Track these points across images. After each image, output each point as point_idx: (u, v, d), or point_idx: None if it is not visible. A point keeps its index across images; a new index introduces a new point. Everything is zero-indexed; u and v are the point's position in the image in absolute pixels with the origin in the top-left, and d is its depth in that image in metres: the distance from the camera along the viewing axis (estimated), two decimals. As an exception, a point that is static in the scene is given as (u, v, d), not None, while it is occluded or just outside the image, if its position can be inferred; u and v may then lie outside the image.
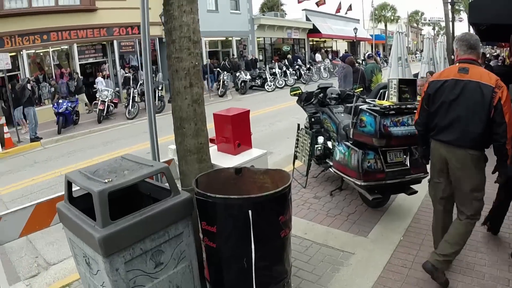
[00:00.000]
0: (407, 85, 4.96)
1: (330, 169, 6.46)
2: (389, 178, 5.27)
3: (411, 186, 5.64)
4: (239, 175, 4.08)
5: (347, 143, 5.68)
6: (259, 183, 4.00)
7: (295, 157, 7.75)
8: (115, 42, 24.01)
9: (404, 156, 5.44)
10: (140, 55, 25.15)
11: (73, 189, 3.70)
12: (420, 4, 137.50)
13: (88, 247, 3.22)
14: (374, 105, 5.18)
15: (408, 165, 5.40)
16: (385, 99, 5.26)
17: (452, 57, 17.23)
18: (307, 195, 6.92)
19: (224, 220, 3.36)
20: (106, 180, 3.32)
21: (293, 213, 5.99)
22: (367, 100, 5.47)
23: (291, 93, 7.67)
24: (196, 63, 4.24)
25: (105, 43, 24.02)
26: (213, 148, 5.11)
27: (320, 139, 7.09)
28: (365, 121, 5.14)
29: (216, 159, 4.72)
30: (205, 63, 26.58)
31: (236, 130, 4.82)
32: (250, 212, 3.22)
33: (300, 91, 7.66)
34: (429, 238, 4.85)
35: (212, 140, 5.13)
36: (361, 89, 7.83)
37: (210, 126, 4.68)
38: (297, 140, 7.59)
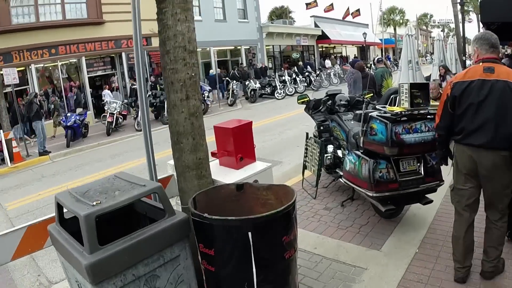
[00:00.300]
0: (419, 90, 4.66)
1: (340, 179, 6.16)
2: (402, 188, 4.97)
3: (426, 195, 5.33)
4: (241, 192, 3.82)
5: (357, 152, 5.40)
6: (262, 200, 3.73)
7: (305, 167, 7.47)
8: (123, 54, 24.00)
9: (418, 164, 5.14)
10: (150, 66, 25.17)
11: (65, 210, 3.47)
12: (429, 6, 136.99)
13: (78, 273, 3.01)
14: (385, 112, 4.90)
15: (422, 173, 5.10)
16: (396, 105, 4.97)
17: (464, 58, 17.01)
18: (317, 206, 6.62)
19: (222, 242, 3.09)
20: (94, 203, 3.09)
21: (303, 226, 5.79)
22: (377, 106, 5.18)
23: (299, 101, 7.39)
24: (193, 74, 4.00)
25: (113, 55, 24.01)
26: (214, 162, 4.85)
27: (330, 148, 6.80)
28: (375, 129, 4.85)
29: (218, 174, 4.45)
30: (214, 73, 26.52)
31: (238, 143, 4.54)
32: (250, 234, 2.95)
33: (308, 98, 7.38)
34: (446, 250, 4.63)
35: (213, 154, 4.88)
36: (371, 94, 7.53)
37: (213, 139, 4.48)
38: (306, 149, 7.31)
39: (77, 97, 20.17)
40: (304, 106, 7.54)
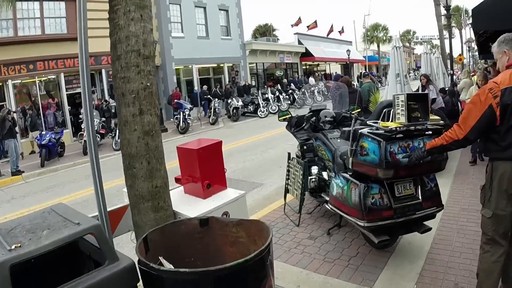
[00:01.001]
0: (417, 102, 3.99)
1: (326, 205, 5.46)
2: (398, 216, 4.31)
3: (424, 222, 4.68)
4: (206, 228, 3.11)
5: (345, 174, 4.72)
6: (232, 238, 3.03)
7: (287, 191, 6.78)
8: (103, 71, 23.48)
9: (415, 187, 4.49)
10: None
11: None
12: (412, 23, 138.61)
13: None
14: (377, 128, 4.23)
15: (420, 198, 4.45)
16: (390, 120, 4.30)
17: (451, 72, 16.59)
18: (301, 235, 5.93)
19: (175, 301, 2.35)
20: (14, 246, 2.38)
21: (284, 259, 5.14)
22: (368, 122, 4.48)
23: (280, 118, 6.72)
24: (148, 84, 3.32)
25: (93, 72, 23.13)
26: (178, 190, 4.14)
27: (314, 170, 6.13)
28: (367, 148, 4.18)
29: (180, 204, 3.74)
30: (196, 91, 26.23)
31: (205, 167, 3.80)
32: (210, 290, 2.23)
33: (290, 115, 6.71)
34: (448, 284, 4.20)
35: (177, 180, 4.16)
36: (359, 110, 6.89)
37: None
38: (288, 171, 6.64)
39: (31, 118, 19.24)
40: (286, 123, 6.86)
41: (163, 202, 3.44)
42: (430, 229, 4.69)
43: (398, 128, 3.98)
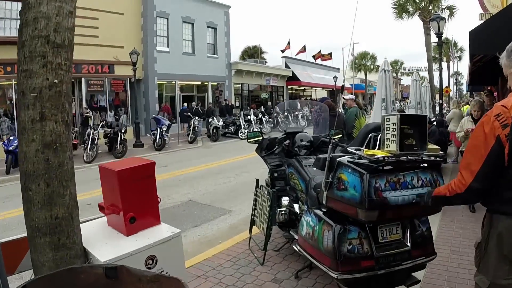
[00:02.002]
0: (412, 126, 3.12)
1: (293, 246, 4.55)
2: (380, 267, 3.46)
3: (412, 273, 3.84)
4: (114, 280, 2.21)
5: (318, 211, 3.85)
6: (147, 299, 2.13)
7: (253, 223, 5.89)
8: (83, 80, 22.89)
9: (402, 231, 3.65)
10: (109, 95, 23.83)
11: None
12: (400, 54, 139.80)
13: None
14: (360, 157, 3.36)
15: (409, 244, 3.60)
16: (377, 147, 3.44)
17: (440, 101, 16.02)
18: (264, 276, 5.03)
19: None
20: None
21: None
22: (349, 149, 3.59)
23: (249, 140, 5.86)
24: (55, 81, 2.47)
25: (72, 80, 22.15)
26: (103, 220, 3.22)
27: (285, 201, 5.25)
28: (345, 181, 3.33)
29: (96, 242, 2.83)
30: (184, 107, 25.89)
31: (128, 195, 2.85)
32: None
33: (261, 137, 5.84)
34: None
35: (101, 208, 3.25)
36: (340, 135, 6.05)
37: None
38: (255, 200, 5.77)
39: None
40: (256, 146, 6.00)
41: (65, 238, 2.55)
42: (418, 281, 3.85)
43: (386, 158, 3.12)
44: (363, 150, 3.38)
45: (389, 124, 3.12)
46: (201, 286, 4.83)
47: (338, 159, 3.51)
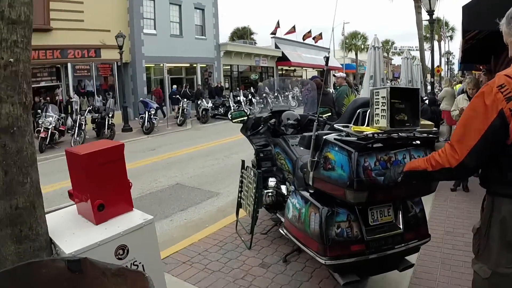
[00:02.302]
0: (404, 100, 2.90)
1: (280, 229, 4.34)
2: (371, 251, 3.26)
3: (406, 257, 3.65)
4: (77, 274, 1.99)
5: (304, 193, 3.64)
6: (111, 293, 1.92)
7: (239, 205, 5.68)
8: (69, 65, 22.30)
9: (394, 213, 3.44)
10: (96, 79, 23.38)
11: None
12: (391, 34, 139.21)
13: None
14: (348, 134, 3.14)
15: (401, 227, 3.40)
16: (366, 123, 3.22)
17: (432, 80, 15.80)
18: (252, 261, 4.84)
19: None
20: None
21: (228, 296, 4.05)
22: (336, 126, 3.35)
23: (233, 120, 5.58)
24: (11, 60, 2.22)
25: (59, 65, 22.15)
26: (72, 209, 2.98)
27: (272, 182, 5.04)
28: (332, 161, 3.11)
29: (64, 232, 2.58)
30: (174, 89, 25.70)
31: (95, 181, 2.60)
32: None
33: (246, 117, 5.59)
34: None
35: (71, 195, 3.00)
36: (329, 114, 5.80)
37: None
38: (241, 182, 5.55)
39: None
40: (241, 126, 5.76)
41: (28, 230, 2.32)
42: (412, 265, 3.67)
43: (376, 135, 2.90)
44: (351, 126, 3.15)
45: (378, 98, 2.89)
46: (186, 272, 4.64)
47: (324, 137, 3.28)
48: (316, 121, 3.52)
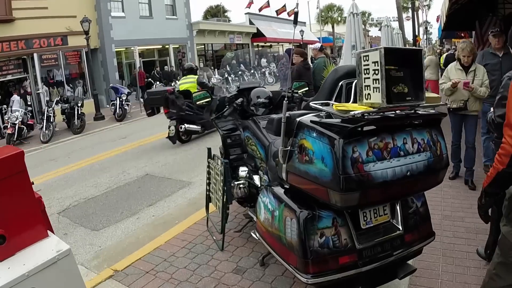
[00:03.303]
0: (402, 66, 2.15)
1: (252, 233, 3.55)
2: (365, 262, 2.56)
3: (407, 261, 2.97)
4: None
5: (277, 190, 2.90)
6: None
7: (209, 199, 4.94)
8: (35, 56, 21.07)
9: (391, 210, 2.73)
10: (65, 68, 22.33)
11: None
12: (367, 6, 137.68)
13: None
14: (329, 115, 2.41)
15: (401, 227, 2.69)
16: (352, 99, 2.46)
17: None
18: (224, 266, 4.16)
19: None
20: None
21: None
22: (313, 104, 2.57)
23: (197, 101, 4.76)
24: None
25: (25, 56, 20.94)
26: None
27: (243, 172, 4.32)
28: (309, 151, 2.37)
29: None
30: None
31: None
32: None
33: (209, 98, 4.78)
34: None
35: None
36: (306, 89, 5.01)
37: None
38: (208, 173, 4.80)
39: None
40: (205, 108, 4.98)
41: None
42: (414, 270, 2.95)
43: (367, 115, 2.16)
44: (333, 104, 2.40)
45: (368, 65, 2.12)
46: (149, 284, 3.98)
47: (298, 119, 2.54)
48: (285, 98, 2.73)
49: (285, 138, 2.61)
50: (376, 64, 2.08)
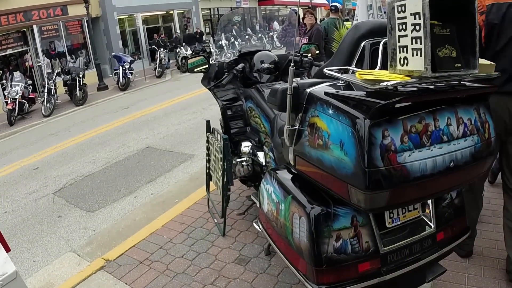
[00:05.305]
0: (448, 21, 1.58)
1: (254, 224, 3.04)
2: (390, 268, 2.04)
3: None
4: None
5: (283, 176, 2.35)
6: None
7: (209, 177, 4.43)
8: (35, 28, 20.43)
9: (421, 205, 2.21)
10: (66, 39, 21.87)
11: None
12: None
13: None
14: (349, 85, 1.87)
15: (433, 225, 2.16)
16: (379, 65, 1.88)
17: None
18: (226, 254, 3.70)
19: None
20: None
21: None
22: (327, 70, 1.99)
23: (190, 69, 4.17)
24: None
25: (24, 29, 20.35)
26: None
27: (245, 147, 3.78)
28: (324, 132, 1.83)
29: None
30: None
31: None
32: None
33: (207, 64, 4.19)
34: None
35: None
36: (317, 52, 4.42)
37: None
38: (208, 149, 4.27)
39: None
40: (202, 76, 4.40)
41: None
42: (443, 272, 2.37)
43: (398, 85, 1.61)
44: (355, 71, 1.84)
45: (405, 18, 1.53)
46: (143, 277, 3.55)
47: (308, 90, 1.99)
48: (292, 63, 2.15)
49: (291, 114, 2.07)
50: (417, 16, 1.48)
